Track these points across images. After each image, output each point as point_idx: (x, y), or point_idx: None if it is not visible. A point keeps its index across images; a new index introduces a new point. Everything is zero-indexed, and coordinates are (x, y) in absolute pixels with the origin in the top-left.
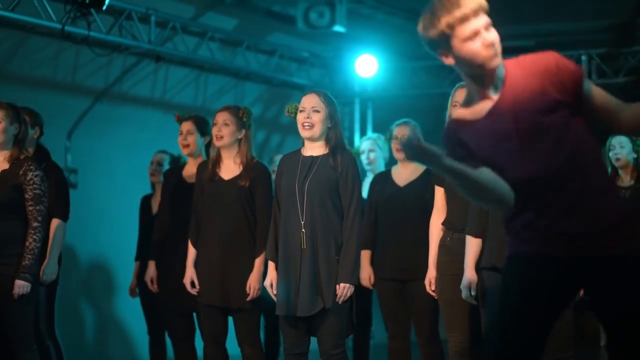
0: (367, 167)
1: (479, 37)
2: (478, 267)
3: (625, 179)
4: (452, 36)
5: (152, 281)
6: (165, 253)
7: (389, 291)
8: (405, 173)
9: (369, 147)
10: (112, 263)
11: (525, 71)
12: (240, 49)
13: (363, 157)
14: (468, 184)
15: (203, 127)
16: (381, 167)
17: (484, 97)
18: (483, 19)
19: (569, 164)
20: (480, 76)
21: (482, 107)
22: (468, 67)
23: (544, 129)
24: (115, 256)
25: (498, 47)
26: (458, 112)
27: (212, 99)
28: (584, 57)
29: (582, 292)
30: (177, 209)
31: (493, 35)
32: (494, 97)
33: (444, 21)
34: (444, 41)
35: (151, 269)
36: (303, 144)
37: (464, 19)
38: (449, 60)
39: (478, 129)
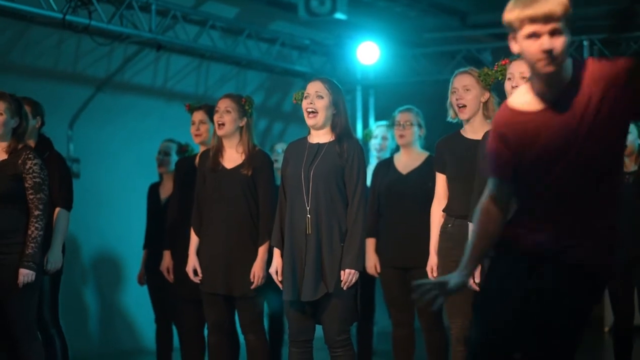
0: (375, 154)
1: (539, 40)
2: None
3: (630, 165)
4: (519, 28)
5: (168, 271)
6: (177, 242)
7: (392, 279)
8: (407, 160)
9: (382, 134)
10: (116, 252)
11: (591, 77)
12: (242, 37)
13: (375, 142)
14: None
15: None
16: (387, 155)
17: (540, 93)
18: (551, 25)
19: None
20: (537, 74)
21: (537, 103)
22: (526, 61)
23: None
24: (118, 245)
25: (557, 55)
26: (514, 101)
27: (213, 87)
28: (585, 43)
29: None
30: (189, 197)
31: (555, 44)
32: (550, 96)
33: (516, 14)
34: (513, 29)
35: (167, 259)
36: (309, 132)
37: (532, 19)
38: (515, 48)
39: (525, 122)
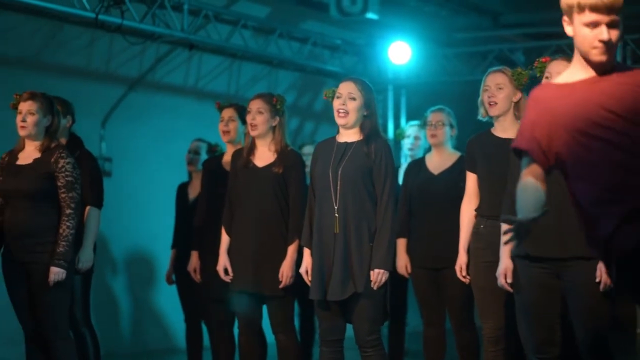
0: (408, 152)
1: (598, 29)
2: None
3: None
4: (578, 14)
5: (195, 271)
6: (206, 241)
7: (423, 279)
8: (438, 160)
9: (415, 134)
10: (147, 251)
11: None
12: (273, 36)
13: (407, 141)
14: None
15: (244, 115)
16: (420, 155)
17: (583, 72)
18: (611, 17)
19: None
20: (586, 61)
21: (578, 77)
22: (577, 46)
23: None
24: (150, 244)
25: (611, 48)
26: (556, 80)
27: (245, 86)
28: None
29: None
30: (217, 197)
31: (612, 35)
32: (594, 75)
33: (577, 0)
34: (570, 13)
35: (194, 259)
36: (338, 131)
37: (594, 8)
38: (568, 31)
39: (563, 90)
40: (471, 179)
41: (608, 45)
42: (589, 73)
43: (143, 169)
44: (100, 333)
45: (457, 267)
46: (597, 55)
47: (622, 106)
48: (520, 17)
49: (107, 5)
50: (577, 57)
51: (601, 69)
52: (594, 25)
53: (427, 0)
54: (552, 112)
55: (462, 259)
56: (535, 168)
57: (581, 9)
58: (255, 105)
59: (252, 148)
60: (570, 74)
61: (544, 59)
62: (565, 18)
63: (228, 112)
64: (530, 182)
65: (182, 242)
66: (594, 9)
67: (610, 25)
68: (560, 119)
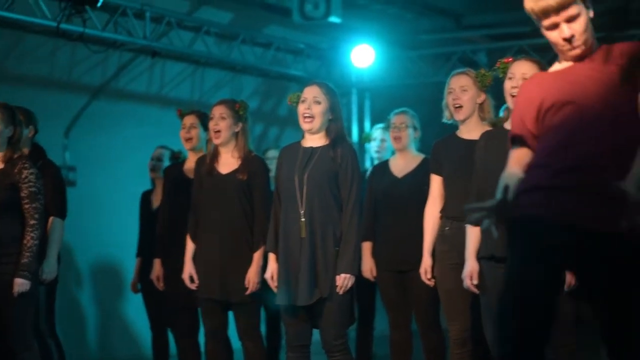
0: (375, 155)
1: (558, 29)
2: (477, 256)
3: None
4: (538, 22)
5: (158, 279)
6: (169, 249)
7: (389, 282)
8: (402, 163)
9: (381, 137)
10: (112, 260)
11: (617, 50)
12: (236, 42)
13: (374, 144)
14: None
15: (206, 121)
16: (389, 157)
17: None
18: (565, 13)
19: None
20: (566, 59)
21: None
22: (556, 50)
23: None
24: (116, 253)
25: (579, 38)
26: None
27: (209, 93)
28: None
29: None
30: (179, 205)
31: (574, 28)
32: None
33: (529, 6)
34: (534, 20)
35: (157, 267)
36: (303, 136)
37: (545, 13)
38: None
39: (550, 76)
40: (436, 182)
41: (574, 39)
42: (569, 64)
43: (108, 177)
44: (66, 343)
45: (421, 270)
46: (569, 52)
47: (582, 93)
48: (483, 19)
49: (68, 14)
50: (561, 58)
51: (579, 60)
52: (554, 27)
53: (390, 3)
54: (532, 99)
55: (426, 261)
56: (523, 154)
57: (538, 17)
58: (218, 112)
59: (215, 155)
60: (557, 65)
61: (506, 60)
62: (536, 23)
63: (190, 119)
64: (515, 171)
65: (147, 251)
66: (546, 13)
67: (569, 20)
68: (537, 104)
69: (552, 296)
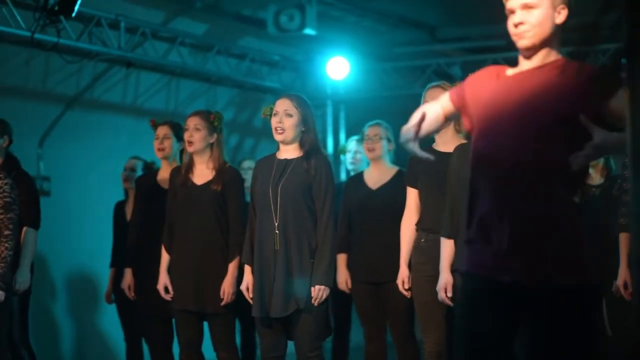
0: (350, 167)
1: (513, 15)
2: (452, 269)
3: (596, 177)
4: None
5: (129, 288)
6: (141, 259)
7: (364, 293)
8: (377, 175)
9: (355, 148)
10: (87, 270)
11: (570, 70)
12: (211, 53)
13: (349, 156)
14: None
15: (179, 132)
16: (364, 169)
17: (519, 66)
18: (518, 1)
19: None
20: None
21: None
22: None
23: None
24: (90, 263)
25: (529, 29)
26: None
27: (184, 104)
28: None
29: None
30: (152, 215)
31: (523, 17)
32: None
33: None
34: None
35: (128, 277)
36: (278, 148)
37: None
38: None
39: (491, 85)
40: (412, 194)
41: (522, 28)
42: (521, 66)
43: (82, 187)
44: (41, 354)
45: (398, 282)
46: (517, 42)
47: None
48: (458, 32)
49: (43, 23)
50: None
51: (527, 56)
52: (510, 12)
53: (365, 15)
54: (481, 93)
55: (403, 273)
56: (447, 103)
57: (503, 1)
58: (193, 122)
59: (190, 166)
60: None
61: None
62: None
63: (163, 130)
64: (434, 105)
65: (121, 261)
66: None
67: (525, 8)
68: (483, 100)
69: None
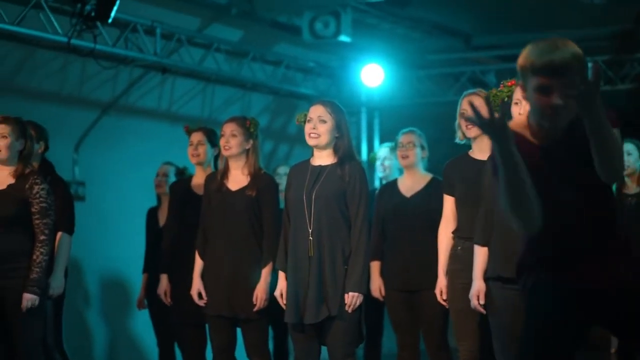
0: (380, 175)
1: (550, 96)
2: (485, 277)
3: (631, 187)
4: (531, 77)
5: (165, 294)
6: (175, 265)
7: (397, 301)
8: (410, 183)
9: (385, 155)
10: (121, 275)
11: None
12: (246, 59)
13: (378, 164)
14: (515, 181)
15: (213, 138)
16: (395, 176)
17: (540, 131)
18: (562, 80)
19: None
20: (539, 124)
21: (539, 135)
22: (532, 111)
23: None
24: (124, 268)
25: (562, 114)
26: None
27: (219, 110)
28: (589, 64)
29: None
30: (186, 220)
31: (566, 100)
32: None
33: (529, 61)
34: (525, 76)
35: (164, 282)
36: (312, 154)
37: (545, 71)
38: (519, 94)
39: (533, 148)
40: (448, 202)
41: (558, 110)
42: (537, 139)
43: (116, 193)
44: (74, 358)
45: (437, 291)
46: (547, 122)
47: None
48: (492, 39)
49: (79, 29)
50: (530, 118)
51: (547, 136)
52: (545, 89)
53: (400, 22)
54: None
55: (441, 282)
56: None
57: (534, 71)
58: (229, 128)
59: (225, 171)
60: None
61: (509, 83)
62: (520, 82)
63: (197, 136)
64: None
65: (154, 267)
66: (545, 72)
67: (562, 89)
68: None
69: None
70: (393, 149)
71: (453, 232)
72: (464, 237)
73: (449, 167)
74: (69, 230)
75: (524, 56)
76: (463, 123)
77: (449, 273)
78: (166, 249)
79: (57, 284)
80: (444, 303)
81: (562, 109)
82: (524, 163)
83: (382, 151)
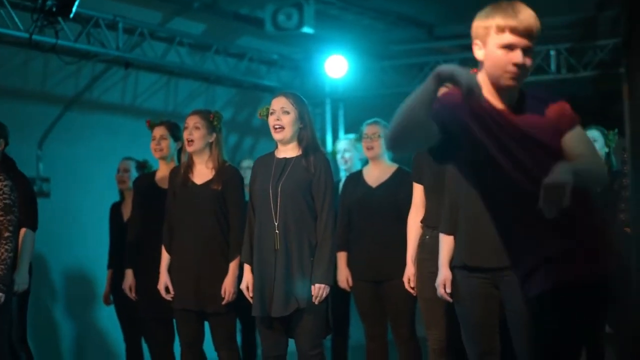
0: (342, 167)
1: (513, 52)
2: (451, 265)
3: None
4: (495, 34)
5: (130, 289)
6: (140, 259)
7: (364, 292)
8: (376, 173)
9: (344, 147)
10: (86, 271)
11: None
12: (209, 53)
13: (338, 157)
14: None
15: (176, 132)
16: (357, 168)
17: (493, 98)
18: (528, 41)
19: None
20: (495, 82)
21: (492, 104)
22: (488, 70)
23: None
24: (89, 264)
25: (524, 73)
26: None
27: (183, 104)
28: (552, 52)
29: None
30: (150, 215)
31: (526, 61)
32: (502, 105)
33: (497, 21)
34: (484, 35)
35: (129, 277)
36: (277, 146)
37: (513, 30)
38: (479, 54)
39: (483, 116)
40: (418, 190)
41: (521, 70)
42: (496, 99)
43: (82, 188)
44: (40, 354)
45: (405, 279)
46: (508, 80)
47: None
48: (455, 29)
49: (41, 25)
50: (484, 80)
51: (507, 95)
52: (510, 47)
53: (363, 13)
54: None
55: (410, 270)
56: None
57: (500, 30)
58: (192, 121)
59: (189, 165)
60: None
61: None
62: (476, 42)
63: (159, 131)
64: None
65: (118, 262)
66: (513, 31)
67: (526, 51)
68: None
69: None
70: (353, 141)
71: (421, 221)
72: (431, 226)
73: (418, 156)
74: (32, 226)
75: (486, 15)
76: None
77: (417, 262)
78: (131, 243)
79: (21, 280)
80: (412, 291)
81: (523, 68)
82: (488, 126)
83: (342, 143)
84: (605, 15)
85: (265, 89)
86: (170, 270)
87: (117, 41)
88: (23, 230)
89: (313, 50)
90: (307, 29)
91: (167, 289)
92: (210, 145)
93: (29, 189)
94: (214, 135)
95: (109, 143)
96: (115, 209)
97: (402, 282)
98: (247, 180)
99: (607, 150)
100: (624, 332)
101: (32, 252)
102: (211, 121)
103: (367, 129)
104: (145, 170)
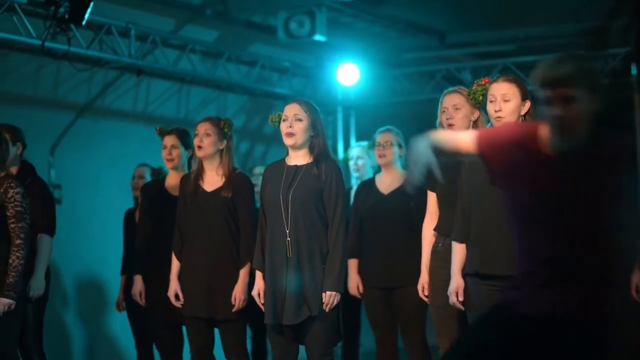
0: (354, 174)
1: (552, 106)
2: (463, 273)
3: None
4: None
5: (140, 295)
6: (150, 266)
7: (375, 299)
8: (388, 181)
9: (357, 154)
10: (98, 278)
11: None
12: (221, 60)
13: (351, 164)
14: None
15: (186, 140)
16: (369, 175)
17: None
18: (561, 91)
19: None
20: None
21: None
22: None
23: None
24: (101, 271)
25: (567, 125)
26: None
27: (194, 111)
28: None
29: None
30: (160, 221)
31: (566, 111)
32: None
33: (536, 76)
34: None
35: (138, 283)
36: (287, 153)
37: (544, 83)
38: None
39: (536, 158)
40: (432, 198)
41: (560, 121)
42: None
43: (93, 195)
44: None
45: (419, 287)
46: (554, 134)
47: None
48: (467, 37)
49: (53, 32)
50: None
51: (559, 147)
52: (549, 102)
53: (375, 21)
54: (516, 160)
55: (424, 278)
56: (466, 143)
57: (541, 85)
58: (203, 128)
59: (200, 173)
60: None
61: (483, 81)
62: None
63: (170, 140)
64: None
65: (131, 268)
66: (544, 84)
67: (564, 100)
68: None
69: None
70: (366, 148)
71: (434, 229)
72: (444, 234)
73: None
74: (50, 231)
75: (535, 71)
76: (444, 121)
77: (430, 270)
78: (139, 249)
79: (37, 286)
80: (425, 299)
81: (561, 120)
82: (525, 168)
83: (355, 151)
84: (617, 24)
85: (277, 97)
86: (180, 277)
87: (129, 48)
88: (40, 235)
89: (325, 58)
90: (319, 37)
91: (177, 296)
92: (220, 152)
93: (48, 194)
94: (225, 142)
95: (120, 150)
96: (130, 216)
97: (413, 290)
98: (258, 187)
99: None
100: None
101: (49, 258)
102: (222, 128)
103: (379, 137)
104: (159, 177)
